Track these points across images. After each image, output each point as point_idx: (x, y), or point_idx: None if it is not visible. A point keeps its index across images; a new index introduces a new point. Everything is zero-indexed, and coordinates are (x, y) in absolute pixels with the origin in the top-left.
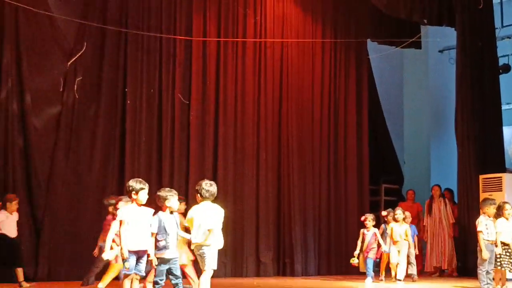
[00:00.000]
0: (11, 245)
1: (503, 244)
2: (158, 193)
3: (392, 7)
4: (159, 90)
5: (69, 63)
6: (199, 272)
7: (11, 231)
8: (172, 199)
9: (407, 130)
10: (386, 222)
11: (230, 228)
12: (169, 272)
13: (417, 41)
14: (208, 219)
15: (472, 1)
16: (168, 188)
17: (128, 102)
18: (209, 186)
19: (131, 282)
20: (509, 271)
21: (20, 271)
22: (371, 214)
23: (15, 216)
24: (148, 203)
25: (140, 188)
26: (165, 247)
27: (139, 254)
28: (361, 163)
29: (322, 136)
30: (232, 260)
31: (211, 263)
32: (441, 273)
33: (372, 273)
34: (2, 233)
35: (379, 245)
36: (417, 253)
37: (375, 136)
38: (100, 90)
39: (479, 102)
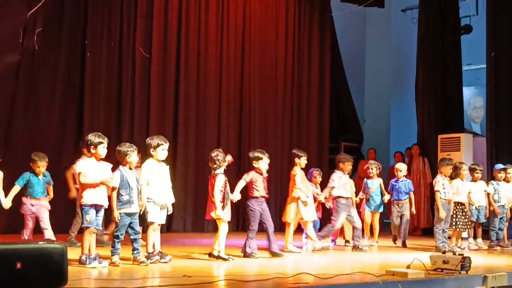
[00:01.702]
0: None
1: (459, 204)
2: (119, 148)
3: None
4: (119, 42)
5: (29, 13)
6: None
7: None
8: (132, 154)
9: (368, 89)
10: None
11: (191, 185)
12: (129, 226)
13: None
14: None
15: None
16: (128, 143)
17: (88, 54)
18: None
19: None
20: (463, 230)
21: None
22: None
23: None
24: (107, 158)
25: (99, 142)
26: (128, 201)
27: (97, 208)
28: (321, 121)
29: (285, 93)
30: (192, 216)
31: (150, 216)
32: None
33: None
34: None
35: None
36: (414, 212)
37: (336, 94)
38: (60, 42)
39: (440, 62)
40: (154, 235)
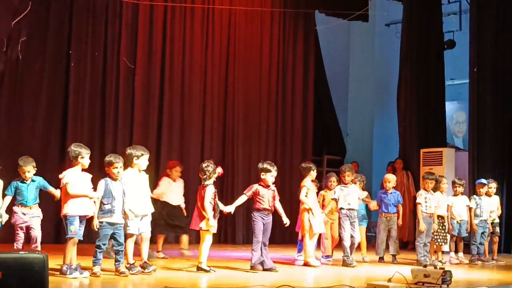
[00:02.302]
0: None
1: (439, 217)
2: (107, 159)
3: None
4: (104, 53)
5: (13, 22)
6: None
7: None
8: (118, 165)
9: (351, 103)
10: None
11: None
12: (112, 237)
13: (364, 14)
14: None
15: None
16: (115, 154)
17: (72, 64)
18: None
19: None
20: (441, 244)
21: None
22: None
23: (179, 183)
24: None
25: (81, 152)
26: (110, 211)
27: (80, 218)
28: (305, 133)
29: (269, 105)
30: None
31: (130, 228)
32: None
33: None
34: (164, 201)
35: None
36: (401, 224)
37: (319, 107)
38: (45, 51)
39: (423, 77)
40: (142, 245)
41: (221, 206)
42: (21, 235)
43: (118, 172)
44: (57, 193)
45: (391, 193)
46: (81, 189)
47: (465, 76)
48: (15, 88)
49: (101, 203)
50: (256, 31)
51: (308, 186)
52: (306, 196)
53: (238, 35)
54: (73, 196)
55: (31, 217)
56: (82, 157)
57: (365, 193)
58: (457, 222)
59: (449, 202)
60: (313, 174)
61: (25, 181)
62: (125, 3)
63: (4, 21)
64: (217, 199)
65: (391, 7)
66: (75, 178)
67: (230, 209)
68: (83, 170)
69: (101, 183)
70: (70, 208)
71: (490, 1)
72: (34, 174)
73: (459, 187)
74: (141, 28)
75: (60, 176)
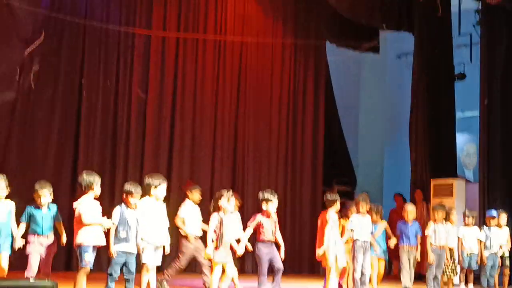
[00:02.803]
0: None
1: (449, 249)
2: (126, 187)
3: (352, 11)
4: (116, 82)
5: (26, 52)
6: None
7: None
8: (136, 195)
9: (362, 134)
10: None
11: None
12: (124, 265)
13: (375, 45)
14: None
15: (430, 8)
16: (136, 183)
17: (84, 94)
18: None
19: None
20: (450, 276)
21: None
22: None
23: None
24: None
25: (96, 181)
26: (125, 239)
27: (93, 248)
28: (315, 164)
29: (279, 136)
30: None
31: (144, 257)
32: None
33: None
34: None
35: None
36: (418, 259)
37: (330, 138)
38: (57, 80)
39: (434, 109)
40: (148, 275)
41: (235, 245)
42: (34, 266)
43: (135, 202)
44: (64, 237)
45: (412, 224)
46: (94, 217)
47: (475, 108)
48: (26, 117)
49: (116, 230)
50: (267, 62)
51: (334, 218)
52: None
53: (249, 66)
54: (87, 225)
55: (46, 247)
56: (95, 186)
57: (384, 223)
58: (468, 254)
59: (459, 234)
60: (338, 206)
61: (39, 208)
62: (137, 34)
63: (17, 51)
64: (223, 228)
65: (402, 39)
66: (88, 206)
67: (241, 250)
68: (95, 198)
69: (117, 210)
70: (84, 238)
71: (501, 33)
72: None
73: (470, 218)
74: (153, 59)
75: (74, 205)
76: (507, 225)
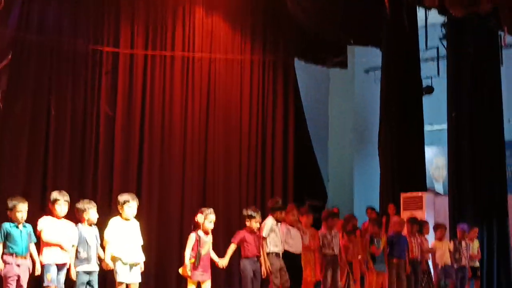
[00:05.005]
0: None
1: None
2: (77, 205)
3: (320, 27)
4: (84, 100)
5: None
6: None
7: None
8: (90, 211)
9: (331, 148)
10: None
11: (154, 245)
12: (88, 284)
13: (343, 60)
14: None
15: (397, 23)
16: (87, 200)
17: (53, 112)
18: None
19: None
20: None
21: None
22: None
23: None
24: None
25: (54, 199)
26: (86, 260)
27: (59, 267)
28: (285, 179)
29: (249, 152)
30: (156, 275)
31: (119, 277)
32: None
33: None
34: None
35: None
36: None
37: (300, 153)
38: (26, 100)
39: (402, 122)
40: None
41: (215, 259)
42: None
43: (89, 218)
44: (34, 255)
45: (403, 236)
46: (56, 237)
47: (443, 121)
48: None
49: (77, 251)
50: (236, 78)
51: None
52: None
53: (218, 83)
54: (47, 243)
55: (24, 269)
56: (57, 205)
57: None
58: (441, 267)
59: (432, 246)
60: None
61: (17, 226)
62: (105, 52)
63: None
64: (200, 247)
65: (369, 54)
66: (50, 225)
67: (224, 262)
68: (63, 217)
69: (75, 231)
70: (45, 256)
71: (467, 46)
72: None
73: (441, 232)
74: (121, 76)
75: (38, 222)
76: (477, 238)
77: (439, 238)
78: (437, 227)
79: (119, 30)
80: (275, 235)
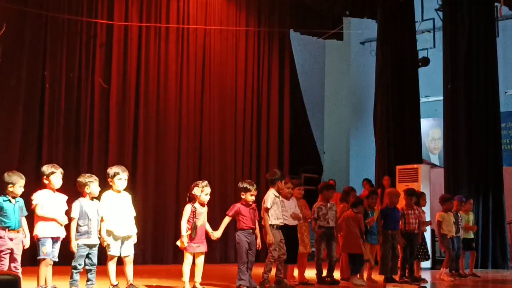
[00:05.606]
0: None
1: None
2: (78, 179)
3: None
4: (78, 73)
5: None
6: None
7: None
8: (92, 185)
9: (327, 121)
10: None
11: (149, 217)
12: (87, 256)
13: (339, 32)
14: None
15: None
16: (88, 174)
17: (47, 85)
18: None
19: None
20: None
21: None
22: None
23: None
24: (66, 189)
25: (51, 172)
26: (87, 232)
27: (53, 240)
28: (281, 152)
29: (244, 124)
30: (152, 247)
31: (111, 250)
32: None
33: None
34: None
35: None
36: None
37: (295, 126)
38: (20, 72)
39: (398, 94)
40: (127, 268)
41: (210, 230)
42: (5, 263)
43: (90, 192)
44: (25, 228)
45: (395, 208)
46: (51, 211)
47: (439, 93)
48: None
49: (77, 224)
50: (231, 50)
51: None
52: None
53: (213, 55)
54: (42, 217)
55: (17, 242)
56: (51, 177)
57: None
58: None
59: (440, 218)
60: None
61: (10, 200)
62: (99, 24)
63: None
64: (196, 218)
65: (365, 26)
66: (45, 199)
67: (218, 234)
68: (57, 190)
69: (76, 205)
70: (41, 230)
71: (463, 19)
72: None
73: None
74: (115, 49)
75: (32, 197)
76: (472, 211)
77: (448, 209)
78: (447, 198)
79: (113, 1)
80: (276, 207)
